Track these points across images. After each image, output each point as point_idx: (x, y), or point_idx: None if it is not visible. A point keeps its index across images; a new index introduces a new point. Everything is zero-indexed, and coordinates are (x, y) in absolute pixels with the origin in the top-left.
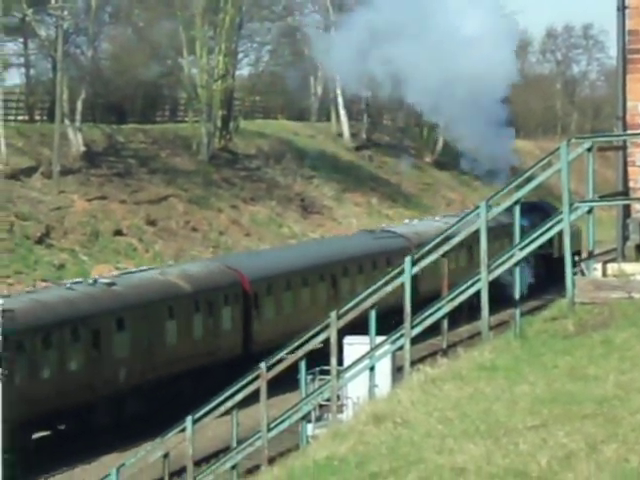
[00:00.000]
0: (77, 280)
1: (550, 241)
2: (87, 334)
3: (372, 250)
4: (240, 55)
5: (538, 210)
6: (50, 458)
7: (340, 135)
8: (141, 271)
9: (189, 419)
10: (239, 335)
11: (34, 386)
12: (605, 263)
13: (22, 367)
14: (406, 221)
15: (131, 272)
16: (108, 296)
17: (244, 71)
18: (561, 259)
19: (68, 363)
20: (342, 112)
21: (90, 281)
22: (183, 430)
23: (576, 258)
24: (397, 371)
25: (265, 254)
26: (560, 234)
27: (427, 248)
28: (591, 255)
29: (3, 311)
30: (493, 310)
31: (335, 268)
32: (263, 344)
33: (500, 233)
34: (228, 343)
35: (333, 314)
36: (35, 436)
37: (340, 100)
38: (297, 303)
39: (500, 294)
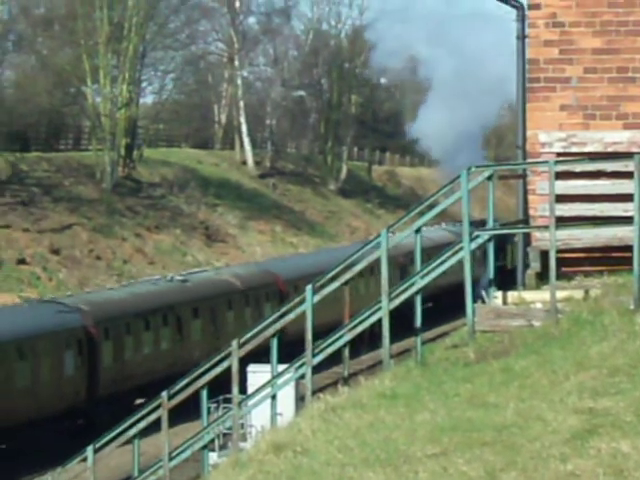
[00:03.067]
0: (147, 279)
1: (504, 254)
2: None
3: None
4: (144, 83)
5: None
6: None
7: (244, 163)
8: (201, 271)
9: (90, 448)
10: None
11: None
12: (505, 291)
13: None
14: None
15: (194, 272)
16: (184, 290)
17: (148, 99)
18: (513, 271)
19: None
20: (246, 140)
21: (168, 278)
22: (85, 459)
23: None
24: (300, 399)
25: (294, 259)
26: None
27: (329, 276)
28: (492, 283)
29: None
30: (395, 338)
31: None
32: (293, 334)
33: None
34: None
35: (234, 342)
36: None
37: (244, 128)
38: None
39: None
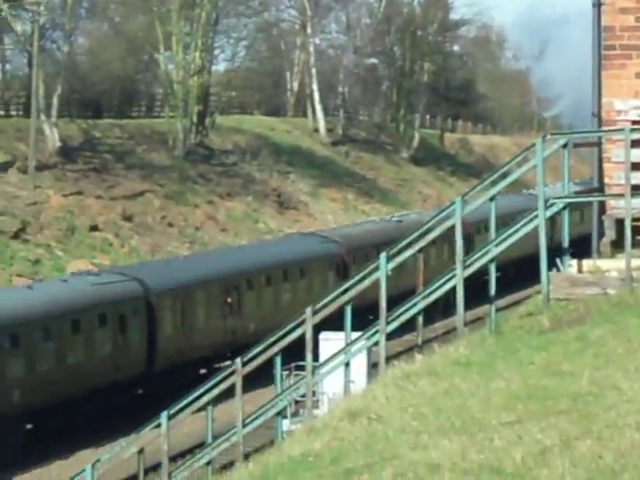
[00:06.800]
0: (371, 219)
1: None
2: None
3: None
4: (216, 51)
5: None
6: (28, 452)
7: (316, 130)
8: (406, 214)
9: (164, 415)
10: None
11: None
12: (580, 259)
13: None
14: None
15: (403, 214)
16: (399, 228)
17: (220, 67)
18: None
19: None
20: (318, 107)
21: (387, 218)
22: (158, 426)
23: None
24: (373, 367)
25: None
26: None
27: (403, 243)
28: (567, 251)
29: None
30: (469, 306)
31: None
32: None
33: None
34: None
35: (308, 310)
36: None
37: (316, 96)
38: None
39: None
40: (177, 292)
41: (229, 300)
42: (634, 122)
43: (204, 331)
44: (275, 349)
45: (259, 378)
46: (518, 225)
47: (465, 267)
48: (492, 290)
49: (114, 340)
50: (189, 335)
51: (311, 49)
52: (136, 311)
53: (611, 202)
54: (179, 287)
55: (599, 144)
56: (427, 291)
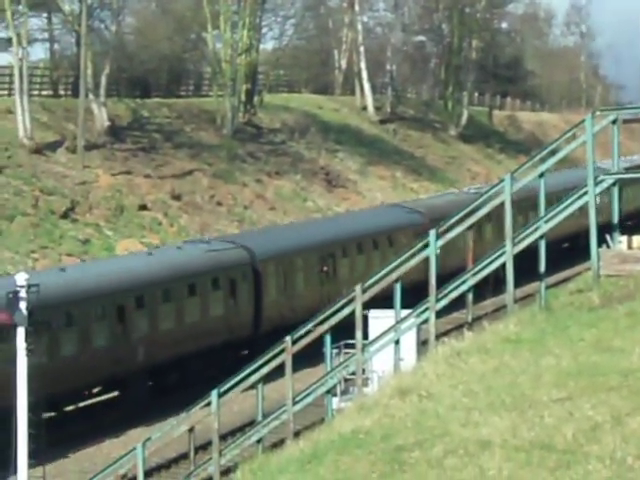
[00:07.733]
0: (450, 191)
1: None
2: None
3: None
4: (264, 29)
5: None
6: (78, 431)
7: (364, 108)
8: (481, 187)
9: (214, 393)
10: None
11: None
12: (630, 236)
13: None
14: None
15: (480, 187)
16: (476, 199)
17: (268, 45)
18: None
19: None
20: (366, 85)
21: (465, 190)
22: (208, 404)
23: None
24: (422, 344)
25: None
26: None
27: (452, 221)
28: (617, 228)
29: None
30: (518, 283)
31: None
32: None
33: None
34: None
35: (358, 288)
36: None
37: (364, 74)
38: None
39: None
40: (280, 259)
41: (325, 268)
42: None
43: (303, 296)
44: (325, 327)
45: (309, 356)
46: (569, 201)
47: (515, 244)
48: (542, 267)
49: (225, 303)
50: (290, 300)
51: (359, 27)
52: (244, 276)
53: None
54: (281, 254)
55: None
56: (477, 268)
